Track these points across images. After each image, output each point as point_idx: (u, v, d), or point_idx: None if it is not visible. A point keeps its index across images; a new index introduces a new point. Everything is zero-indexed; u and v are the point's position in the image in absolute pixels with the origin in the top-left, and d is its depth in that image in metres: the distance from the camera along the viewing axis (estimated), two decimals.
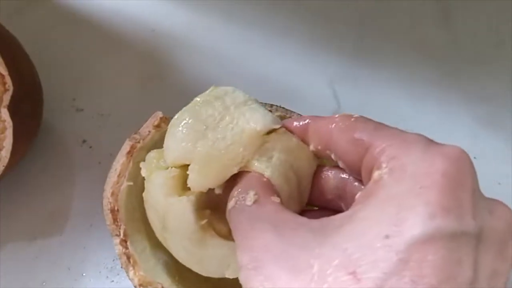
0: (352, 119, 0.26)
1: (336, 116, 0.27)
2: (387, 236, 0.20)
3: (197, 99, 0.31)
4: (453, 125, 0.47)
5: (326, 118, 0.28)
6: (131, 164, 0.34)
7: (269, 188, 0.27)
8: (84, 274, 0.40)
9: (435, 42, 0.51)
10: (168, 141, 0.30)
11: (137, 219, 0.34)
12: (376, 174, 0.23)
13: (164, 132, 0.34)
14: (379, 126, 0.25)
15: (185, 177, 0.29)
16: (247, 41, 0.50)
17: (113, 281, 0.39)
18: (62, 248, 0.41)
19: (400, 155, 0.22)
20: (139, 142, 0.34)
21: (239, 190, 0.27)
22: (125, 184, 0.33)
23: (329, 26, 0.51)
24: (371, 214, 0.21)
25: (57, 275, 0.40)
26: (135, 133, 0.34)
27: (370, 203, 0.22)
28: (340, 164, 0.27)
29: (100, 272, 0.40)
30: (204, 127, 0.29)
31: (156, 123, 0.34)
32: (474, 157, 0.44)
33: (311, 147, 0.28)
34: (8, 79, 0.36)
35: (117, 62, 0.49)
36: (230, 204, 0.27)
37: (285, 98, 0.47)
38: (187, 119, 0.30)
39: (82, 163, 0.44)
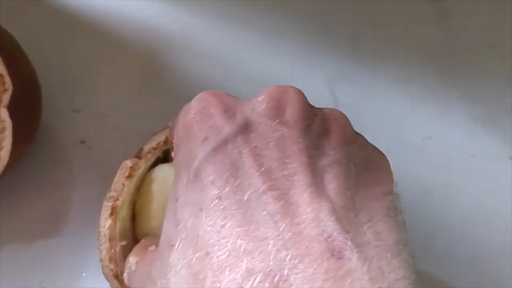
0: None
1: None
2: (177, 199, 0.22)
3: None
4: (450, 124, 0.47)
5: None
6: (117, 224, 0.33)
7: (144, 245, 0.29)
8: (84, 274, 0.40)
9: (432, 43, 0.52)
10: None
11: None
12: None
13: (139, 177, 0.34)
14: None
15: None
16: (245, 41, 0.51)
17: None
18: (62, 249, 0.41)
19: (176, 134, 0.26)
20: (117, 199, 0.33)
21: (125, 266, 0.30)
22: (119, 245, 0.33)
23: (327, 26, 0.52)
24: (170, 194, 0.24)
25: (56, 276, 0.40)
26: (109, 191, 0.34)
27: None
28: None
29: (99, 272, 0.39)
30: None
31: (127, 174, 0.34)
32: (472, 155, 0.46)
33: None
34: (7, 79, 0.36)
35: (114, 63, 0.49)
36: (126, 281, 0.30)
37: None
38: None
39: (81, 164, 0.44)
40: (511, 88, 0.49)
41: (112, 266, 0.33)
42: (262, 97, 0.24)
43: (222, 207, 0.20)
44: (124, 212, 0.34)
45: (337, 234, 0.19)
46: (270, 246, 0.18)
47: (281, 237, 0.19)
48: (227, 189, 0.20)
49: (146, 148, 0.35)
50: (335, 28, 0.52)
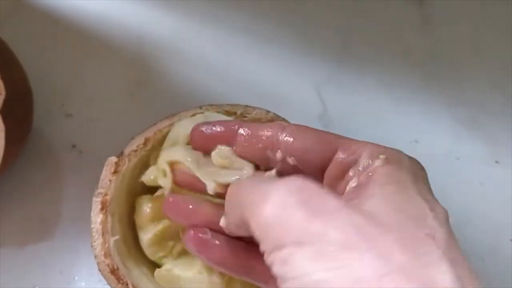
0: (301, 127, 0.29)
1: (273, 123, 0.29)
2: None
3: None
4: (436, 127, 0.48)
5: (258, 125, 0.30)
6: (108, 218, 0.34)
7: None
8: (76, 278, 0.40)
9: (417, 48, 0.52)
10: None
11: (136, 264, 0.35)
12: (369, 162, 0.25)
13: (124, 173, 0.35)
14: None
15: None
16: (234, 47, 0.51)
17: (105, 284, 0.39)
18: (54, 252, 0.41)
19: (384, 151, 0.25)
20: (106, 194, 0.34)
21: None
22: (112, 240, 0.34)
23: (315, 33, 0.52)
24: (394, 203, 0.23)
25: (49, 279, 0.40)
26: (97, 188, 0.35)
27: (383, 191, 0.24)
28: (291, 161, 0.28)
29: (92, 275, 0.40)
30: None
31: (112, 169, 0.35)
32: (457, 158, 0.46)
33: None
34: (0, 84, 0.36)
35: (104, 68, 0.49)
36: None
37: (273, 102, 0.47)
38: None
39: (72, 168, 0.44)
40: (495, 92, 0.50)
41: (108, 261, 0.33)
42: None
43: None
44: (114, 209, 0.34)
45: None
46: None
47: None
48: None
49: (127, 151, 0.36)
50: (323, 35, 0.52)
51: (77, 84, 0.48)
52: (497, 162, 0.47)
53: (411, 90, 0.50)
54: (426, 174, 0.26)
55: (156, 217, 0.34)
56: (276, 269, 0.21)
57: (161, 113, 0.46)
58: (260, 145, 0.29)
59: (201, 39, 0.52)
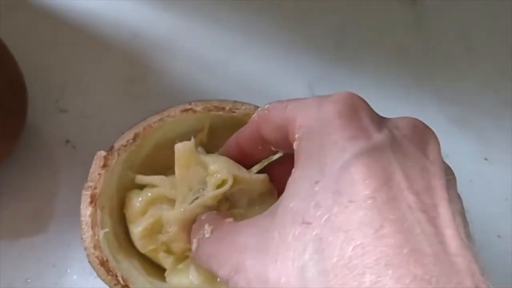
0: (266, 111, 0.29)
1: (255, 116, 0.30)
2: (317, 182, 0.22)
3: None
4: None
5: (247, 125, 0.31)
6: (98, 211, 0.34)
7: (220, 215, 0.30)
8: (68, 271, 0.40)
9: (410, 47, 0.53)
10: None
11: (126, 256, 0.35)
12: (294, 145, 0.25)
13: (114, 168, 0.36)
14: (287, 103, 0.27)
15: None
16: (229, 45, 0.52)
17: (97, 276, 0.40)
18: (47, 246, 0.41)
19: (304, 121, 0.25)
20: (95, 188, 0.34)
21: (194, 231, 0.30)
22: (102, 232, 0.34)
23: (309, 31, 0.53)
24: (300, 174, 0.24)
25: (41, 272, 0.40)
26: (86, 181, 0.35)
27: (296, 168, 0.24)
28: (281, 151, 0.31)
29: (84, 269, 0.40)
30: None
31: (102, 163, 0.35)
32: (447, 155, 0.46)
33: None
34: None
35: (99, 65, 0.50)
36: (194, 246, 0.29)
37: (266, 99, 0.48)
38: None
39: (66, 163, 0.44)
40: (486, 90, 0.51)
41: (97, 253, 0.33)
42: (406, 122, 0.25)
43: (377, 208, 0.20)
44: (103, 202, 0.35)
45: (480, 276, 0.20)
46: (428, 265, 0.19)
47: (438, 262, 0.19)
48: (381, 193, 0.21)
49: (117, 145, 0.36)
50: (317, 34, 0.53)
51: (71, 80, 0.48)
52: (486, 159, 0.47)
53: (403, 88, 0.50)
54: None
55: (146, 211, 0.34)
56: None
57: (154, 110, 0.47)
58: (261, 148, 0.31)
59: (195, 36, 0.52)
